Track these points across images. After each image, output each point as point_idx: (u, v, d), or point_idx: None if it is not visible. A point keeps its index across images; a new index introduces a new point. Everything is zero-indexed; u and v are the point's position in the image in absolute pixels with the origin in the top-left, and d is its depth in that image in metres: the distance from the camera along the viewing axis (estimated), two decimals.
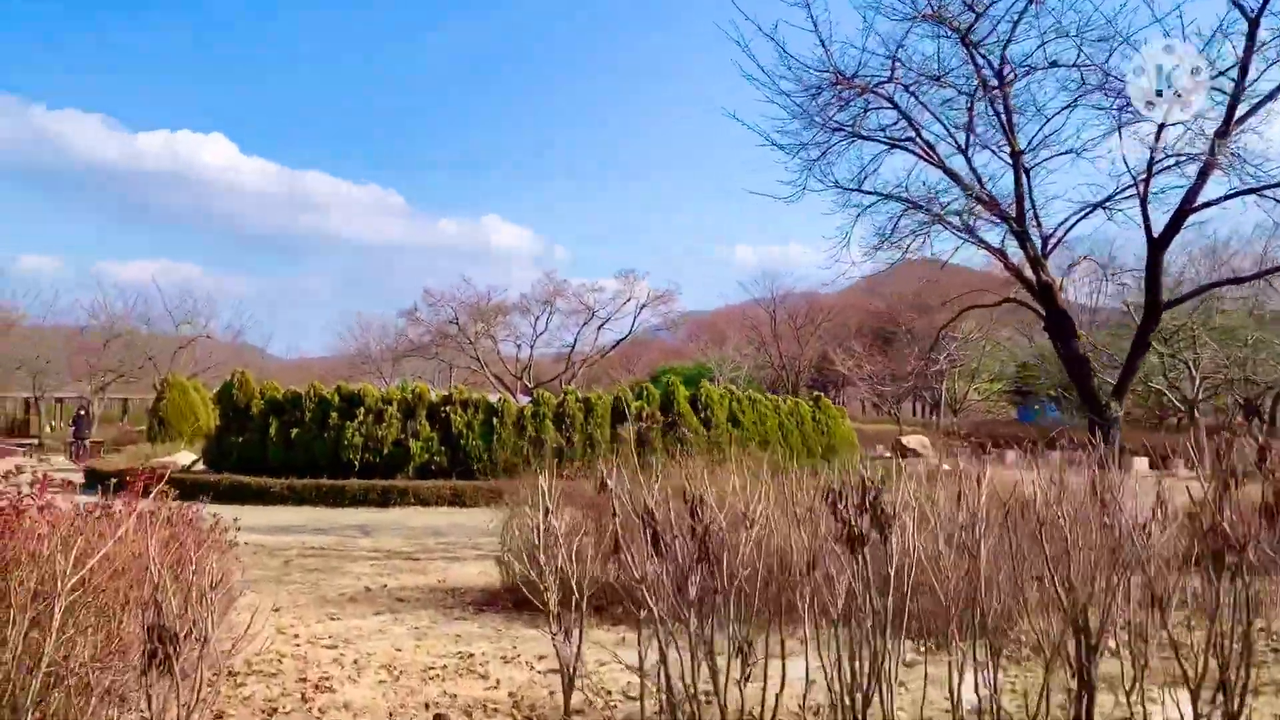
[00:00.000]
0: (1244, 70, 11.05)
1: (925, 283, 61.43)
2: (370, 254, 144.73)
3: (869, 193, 14.61)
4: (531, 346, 51.37)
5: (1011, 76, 12.26)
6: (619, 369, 63.03)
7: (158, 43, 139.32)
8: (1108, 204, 12.44)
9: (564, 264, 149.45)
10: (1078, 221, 12.90)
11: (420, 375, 57.61)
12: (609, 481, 5.11)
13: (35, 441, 44.88)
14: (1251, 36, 10.86)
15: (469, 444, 21.80)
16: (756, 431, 22.97)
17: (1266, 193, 11.22)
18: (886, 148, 13.63)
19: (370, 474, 21.55)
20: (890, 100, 12.92)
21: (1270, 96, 11.10)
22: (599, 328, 51.97)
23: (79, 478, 25.20)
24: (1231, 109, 11.12)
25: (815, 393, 26.88)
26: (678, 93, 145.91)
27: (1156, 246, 12.28)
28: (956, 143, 13.05)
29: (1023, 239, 12.67)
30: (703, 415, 22.76)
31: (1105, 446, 12.36)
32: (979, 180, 12.84)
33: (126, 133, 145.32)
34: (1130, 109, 11.29)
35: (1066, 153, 13.01)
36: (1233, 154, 11.05)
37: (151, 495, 6.79)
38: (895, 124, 13.71)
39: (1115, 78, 11.48)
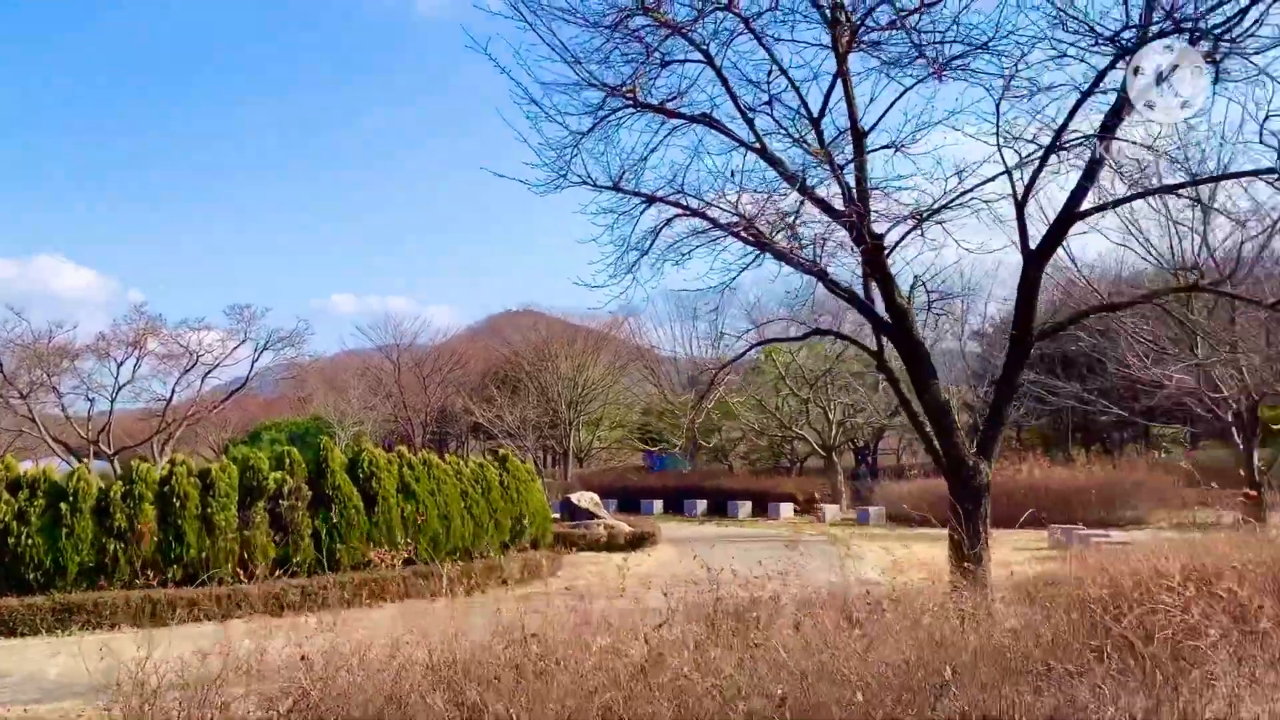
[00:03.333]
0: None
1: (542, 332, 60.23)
2: None
3: (634, 193, 10.91)
4: (112, 401, 41.21)
5: (849, 36, 9.30)
6: (214, 427, 54.26)
7: None
8: (957, 204, 9.73)
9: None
10: (921, 224, 10.06)
11: None
12: None
13: None
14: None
15: (22, 544, 15.02)
16: (434, 503, 18.30)
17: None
18: (678, 124, 10.08)
19: None
20: (703, 49, 9.40)
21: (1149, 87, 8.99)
22: (204, 375, 43.06)
23: None
24: (1122, 103, 8.83)
25: (502, 451, 22.64)
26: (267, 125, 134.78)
27: (1034, 260, 9.80)
28: (809, 113, 9.81)
29: (876, 253, 9.64)
30: (365, 486, 17.68)
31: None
32: (834, 166, 9.65)
33: None
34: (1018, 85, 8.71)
35: (887, 146, 10.25)
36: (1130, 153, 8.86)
37: None
38: (675, 96, 10.18)
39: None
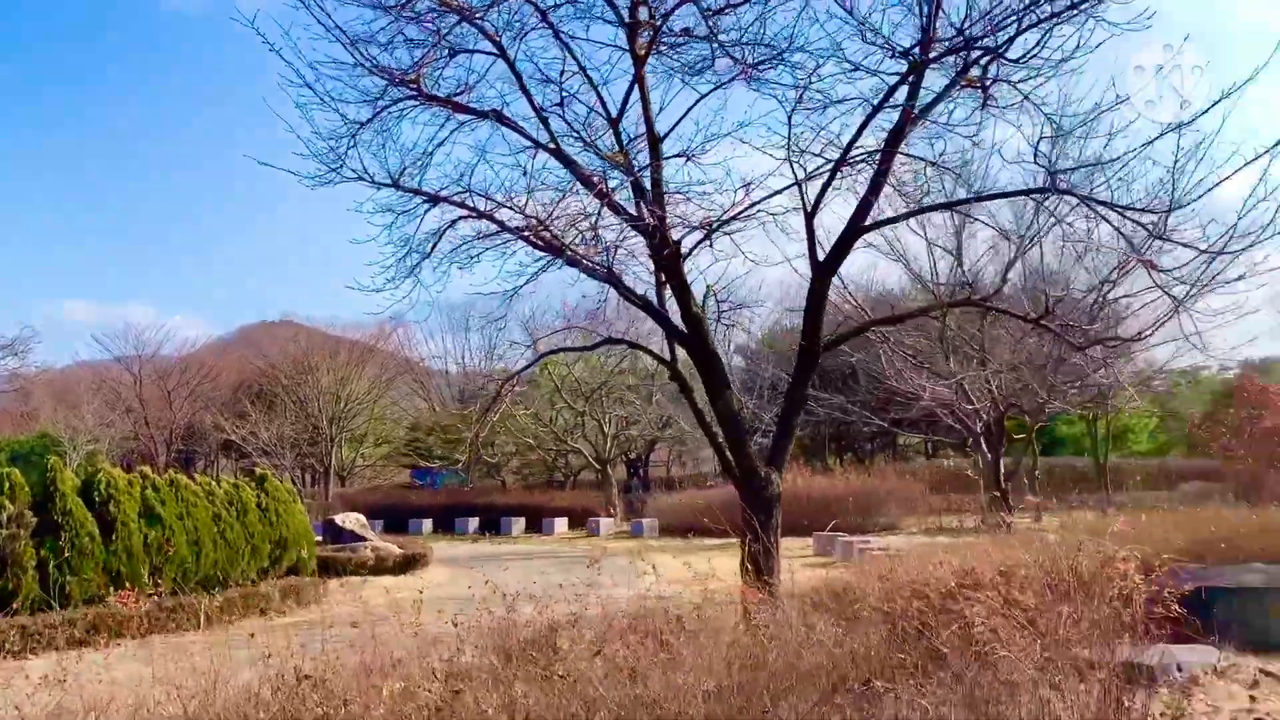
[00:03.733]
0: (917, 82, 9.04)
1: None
2: None
3: (416, 192, 10.19)
4: None
5: (650, 38, 9.03)
6: None
7: None
8: (745, 216, 9.66)
9: None
10: (711, 234, 9.91)
11: None
12: None
13: None
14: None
15: None
16: (183, 528, 16.60)
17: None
18: (467, 120, 9.45)
19: None
20: (495, 40, 8.82)
21: (932, 104, 9.31)
22: None
23: None
24: (906, 117, 9.04)
25: (260, 471, 20.93)
26: None
27: (822, 272, 9.85)
28: (607, 114, 9.40)
29: (674, 260, 9.38)
30: (102, 511, 15.78)
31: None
32: (632, 171, 9.27)
33: None
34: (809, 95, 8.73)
35: (679, 155, 10.09)
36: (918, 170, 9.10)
37: None
38: (463, 89, 9.57)
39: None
